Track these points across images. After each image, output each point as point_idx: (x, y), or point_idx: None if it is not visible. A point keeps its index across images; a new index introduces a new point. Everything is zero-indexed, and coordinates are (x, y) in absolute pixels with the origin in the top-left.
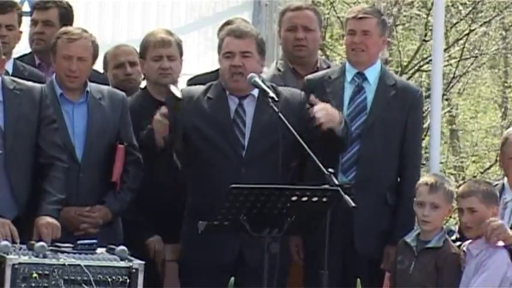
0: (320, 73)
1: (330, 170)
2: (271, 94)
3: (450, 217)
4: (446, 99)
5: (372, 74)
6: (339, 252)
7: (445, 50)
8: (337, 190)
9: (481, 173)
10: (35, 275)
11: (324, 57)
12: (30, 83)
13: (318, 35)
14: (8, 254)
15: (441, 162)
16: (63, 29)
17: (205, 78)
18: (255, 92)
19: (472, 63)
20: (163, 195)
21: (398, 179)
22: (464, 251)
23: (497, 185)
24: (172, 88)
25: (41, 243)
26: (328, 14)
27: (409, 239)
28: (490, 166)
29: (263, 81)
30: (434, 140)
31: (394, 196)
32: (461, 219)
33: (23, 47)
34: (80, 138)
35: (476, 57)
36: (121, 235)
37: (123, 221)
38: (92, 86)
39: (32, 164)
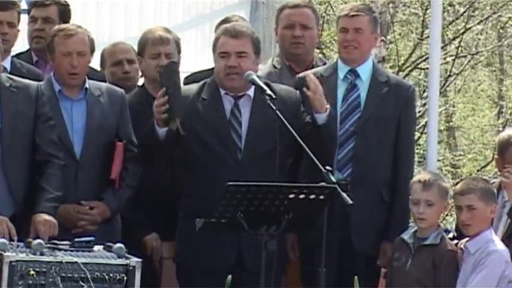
0: (312, 70)
1: (327, 167)
2: (269, 92)
3: (447, 215)
4: (443, 97)
5: (365, 71)
6: (336, 249)
7: (442, 48)
8: (335, 188)
9: (478, 170)
10: (32, 272)
11: (321, 55)
12: (26, 81)
13: (315, 32)
14: (5, 252)
15: (438, 160)
16: (58, 26)
17: (202, 76)
18: (251, 91)
19: (469, 61)
20: (162, 192)
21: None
22: (461, 248)
23: (494, 182)
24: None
25: (38, 240)
26: (326, 12)
27: (406, 236)
28: (487, 164)
29: (260, 79)
30: (431, 138)
31: (390, 193)
32: (459, 216)
33: (20, 44)
34: (79, 135)
35: (473, 55)
36: (119, 233)
37: (120, 219)
38: (90, 83)
39: (29, 161)
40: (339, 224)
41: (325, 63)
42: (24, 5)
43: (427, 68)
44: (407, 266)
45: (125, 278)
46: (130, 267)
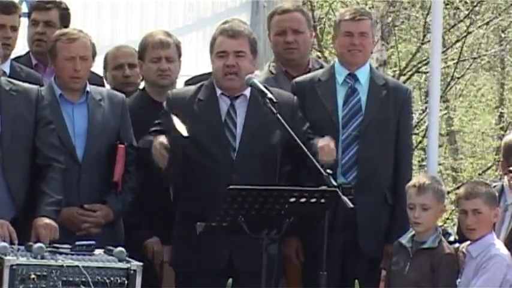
0: (309, 75)
1: (328, 171)
2: (270, 95)
3: (447, 219)
4: (444, 101)
5: (363, 74)
6: (339, 252)
7: (443, 51)
8: (336, 191)
9: (479, 174)
10: (33, 276)
11: (321, 59)
12: (26, 85)
13: (308, 35)
14: (6, 255)
15: (439, 164)
16: (60, 31)
17: (203, 79)
18: (247, 92)
19: (471, 65)
20: (162, 196)
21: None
22: (463, 252)
23: (495, 186)
24: (177, 124)
25: (39, 244)
26: (327, 16)
27: (404, 240)
28: (488, 168)
29: (260, 83)
30: (432, 142)
31: (393, 195)
32: (464, 221)
33: (18, 48)
34: (81, 139)
35: (474, 59)
36: (122, 236)
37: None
38: (91, 88)
39: (29, 165)
40: (343, 227)
41: (321, 65)
42: (25, 8)
43: (428, 72)
44: (406, 270)
45: (126, 281)
46: (131, 271)
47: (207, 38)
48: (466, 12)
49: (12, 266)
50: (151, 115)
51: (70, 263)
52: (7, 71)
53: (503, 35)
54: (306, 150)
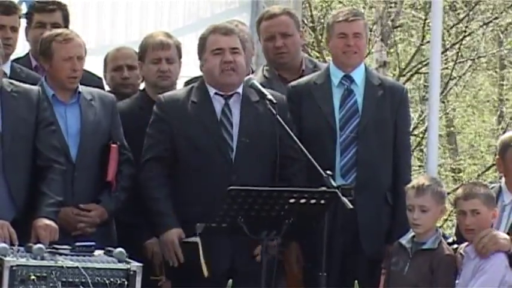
0: (304, 79)
1: (327, 172)
2: (270, 96)
3: (446, 220)
4: (444, 102)
5: (359, 75)
6: (340, 253)
7: (442, 52)
8: (335, 192)
9: (479, 175)
10: (32, 277)
11: (320, 59)
12: (27, 86)
13: (297, 37)
14: (5, 256)
15: (439, 165)
16: (53, 31)
17: None
18: (240, 89)
19: (470, 65)
20: None
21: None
22: (461, 253)
23: (493, 187)
24: (201, 258)
25: (39, 245)
26: (325, 17)
27: (404, 240)
28: (488, 168)
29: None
30: (431, 143)
31: (393, 196)
32: (462, 221)
33: (18, 49)
34: (74, 139)
35: (474, 59)
36: (115, 236)
37: (121, 223)
38: (82, 88)
39: (30, 166)
40: (343, 228)
41: (315, 64)
42: (24, 9)
43: (427, 73)
44: (405, 271)
45: (126, 282)
46: (131, 272)
47: None
48: (465, 14)
49: (12, 267)
50: (151, 115)
51: (70, 264)
52: (7, 72)
53: (502, 36)
54: (305, 150)
